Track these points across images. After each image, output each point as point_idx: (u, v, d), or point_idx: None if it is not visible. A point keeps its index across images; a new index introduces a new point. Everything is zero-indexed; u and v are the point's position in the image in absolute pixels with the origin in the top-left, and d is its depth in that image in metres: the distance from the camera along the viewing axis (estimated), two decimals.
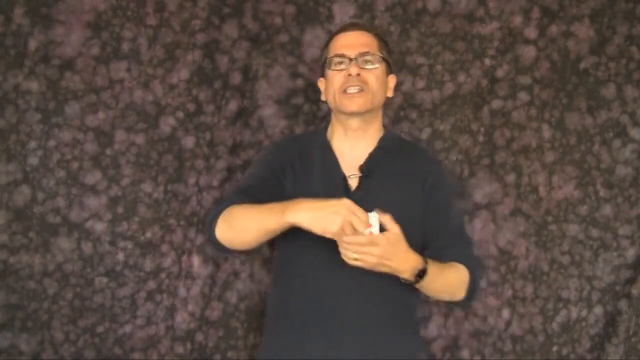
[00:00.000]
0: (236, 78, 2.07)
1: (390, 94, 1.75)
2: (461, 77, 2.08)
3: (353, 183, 1.67)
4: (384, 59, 1.70)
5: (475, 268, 1.68)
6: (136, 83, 2.01)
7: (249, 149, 2.07)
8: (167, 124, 2.03)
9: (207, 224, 1.69)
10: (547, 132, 2.08)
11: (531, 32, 2.08)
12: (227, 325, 2.05)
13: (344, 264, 1.49)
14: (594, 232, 2.06)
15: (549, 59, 2.08)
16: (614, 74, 2.07)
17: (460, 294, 1.67)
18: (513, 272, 2.06)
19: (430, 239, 1.66)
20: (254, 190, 1.67)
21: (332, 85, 1.68)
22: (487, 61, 2.08)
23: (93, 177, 1.98)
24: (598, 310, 2.05)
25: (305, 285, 1.62)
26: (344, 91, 1.65)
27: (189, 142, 2.04)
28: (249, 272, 2.05)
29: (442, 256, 1.63)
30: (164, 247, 2.02)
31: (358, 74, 1.64)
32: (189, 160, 2.03)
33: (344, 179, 1.67)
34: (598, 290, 2.05)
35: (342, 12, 2.08)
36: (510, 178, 2.08)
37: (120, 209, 1.99)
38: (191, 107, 2.04)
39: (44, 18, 1.94)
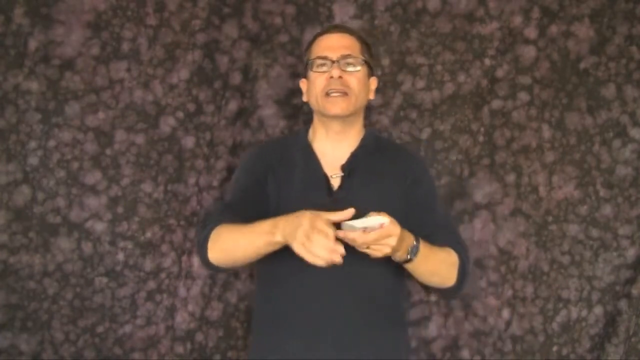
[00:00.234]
0: (236, 78, 2.07)
1: (371, 96, 1.77)
2: (461, 77, 2.08)
3: (335, 183, 1.68)
4: (365, 61, 1.71)
5: (463, 253, 1.68)
6: (136, 83, 2.01)
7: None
8: (167, 124, 2.03)
9: (197, 246, 1.70)
10: (547, 132, 2.08)
11: (531, 32, 2.08)
12: (227, 325, 2.05)
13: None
14: (594, 232, 2.06)
15: (549, 59, 2.08)
16: (614, 74, 2.07)
17: (451, 277, 1.65)
18: (513, 272, 2.06)
19: (416, 232, 1.64)
20: (238, 205, 1.68)
21: (314, 88, 1.69)
22: (487, 61, 2.08)
23: (93, 177, 1.98)
24: (598, 310, 2.05)
25: (285, 286, 1.64)
26: (327, 94, 1.67)
27: (189, 142, 2.04)
28: (249, 272, 2.05)
29: (430, 242, 1.62)
30: (164, 247, 2.02)
31: (340, 77, 1.66)
32: (189, 160, 2.04)
33: (326, 179, 1.68)
34: (598, 290, 2.05)
35: (342, 12, 2.08)
36: (510, 178, 2.08)
37: (120, 209, 1.99)
38: (191, 107, 2.04)
39: (44, 18, 1.94)
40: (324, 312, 1.60)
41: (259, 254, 1.56)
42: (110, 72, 2.00)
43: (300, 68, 2.08)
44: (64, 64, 1.96)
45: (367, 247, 1.47)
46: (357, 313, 1.62)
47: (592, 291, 2.05)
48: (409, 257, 1.54)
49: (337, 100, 1.66)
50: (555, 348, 2.05)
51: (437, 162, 2.07)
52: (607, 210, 2.06)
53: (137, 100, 2.01)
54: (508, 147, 2.08)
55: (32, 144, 1.95)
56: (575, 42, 2.08)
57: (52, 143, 1.96)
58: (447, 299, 2.05)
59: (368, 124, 2.06)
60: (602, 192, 2.06)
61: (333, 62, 1.67)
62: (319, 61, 1.69)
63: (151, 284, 2.01)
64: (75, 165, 1.97)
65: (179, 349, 2.02)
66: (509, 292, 2.06)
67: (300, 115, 2.09)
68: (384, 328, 1.66)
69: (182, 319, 2.02)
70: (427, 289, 1.75)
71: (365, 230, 1.43)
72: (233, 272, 2.05)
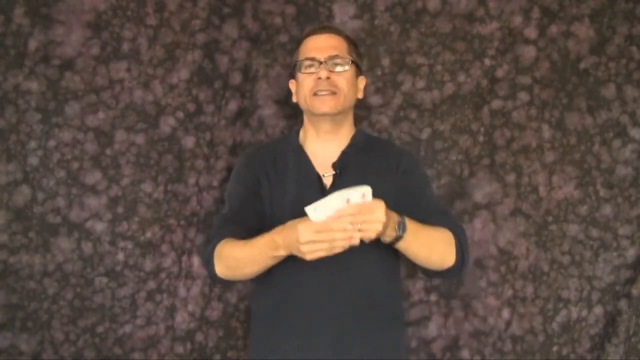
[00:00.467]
0: (236, 78, 2.07)
1: (360, 95, 1.77)
2: (461, 77, 2.08)
3: (327, 181, 1.69)
4: (353, 61, 1.72)
5: (460, 232, 1.66)
6: (136, 83, 2.01)
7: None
8: (167, 124, 2.03)
9: (204, 263, 1.73)
10: (547, 132, 2.08)
11: (531, 32, 2.08)
12: (227, 325, 2.05)
13: (319, 264, 1.48)
14: (594, 232, 2.06)
15: (549, 59, 2.08)
16: (614, 74, 2.07)
17: (449, 256, 1.63)
18: (513, 272, 2.06)
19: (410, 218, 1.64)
20: (236, 216, 1.70)
21: (303, 89, 1.71)
22: (487, 61, 2.08)
23: (93, 177, 1.98)
24: (598, 310, 2.05)
25: (283, 286, 1.65)
26: (315, 94, 1.68)
27: (189, 142, 2.04)
28: None
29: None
30: (164, 247, 2.02)
31: (328, 77, 1.67)
32: (189, 160, 2.04)
33: (318, 178, 1.69)
34: (598, 290, 2.05)
35: (342, 12, 2.08)
36: (510, 178, 2.08)
37: (120, 209, 1.99)
38: (191, 107, 2.04)
39: (44, 18, 1.94)
40: (323, 313, 1.61)
41: (267, 265, 1.58)
42: (110, 72, 2.00)
43: None
44: (64, 64, 1.96)
45: (359, 230, 1.43)
46: (355, 313, 1.62)
47: (592, 291, 2.05)
48: (398, 233, 1.52)
49: (326, 98, 1.67)
50: (555, 348, 2.05)
51: (437, 162, 2.07)
52: (607, 210, 2.06)
53: (137, 100, 2.01)
54: (508, 147, 2.08)
55: (32, 144, 1.95)
56: (575, 42, 2.08)
57: (52, 143, 1.96)
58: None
59: (368, 124, 2.07)
60: (602, 192, 2.06)
61: (321, 63, 1.68)
62: (307, 62, 1.70)
63: (151, 284, 2.01)
64: (75, 165, 1.97)
65: (179, 349, 2.02)
66: (509, 292, 2.06)
67: (300, 115, 2.08)
68: (382, 328, 1.66)
69: (182, 319, 2.02)
70: (430, 274, 1.70)
71: (348, 201, 1.43)
72: None
